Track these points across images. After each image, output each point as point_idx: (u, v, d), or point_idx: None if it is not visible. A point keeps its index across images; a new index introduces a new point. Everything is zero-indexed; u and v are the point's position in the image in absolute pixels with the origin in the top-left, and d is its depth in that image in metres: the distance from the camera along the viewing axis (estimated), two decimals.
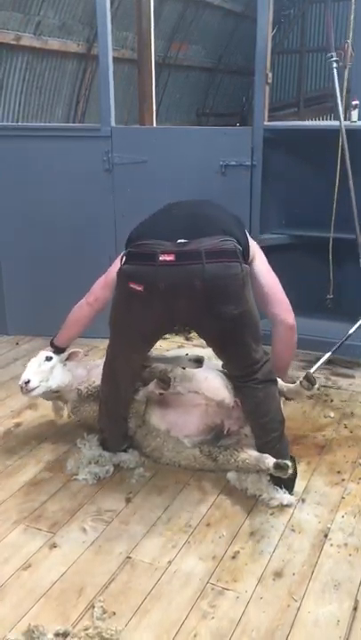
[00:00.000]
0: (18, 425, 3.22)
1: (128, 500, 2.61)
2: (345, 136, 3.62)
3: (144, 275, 2.39)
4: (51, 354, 2.94)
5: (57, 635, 1.95)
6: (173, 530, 2.44)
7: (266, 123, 3.85)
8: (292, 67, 13.48)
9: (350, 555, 2.30)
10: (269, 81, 3.83)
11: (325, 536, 2.39)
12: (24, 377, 2.82)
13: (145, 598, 2.11)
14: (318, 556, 2.29)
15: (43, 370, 2.88)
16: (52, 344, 2.96)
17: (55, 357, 2.94)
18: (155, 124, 5.37)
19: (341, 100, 3.64)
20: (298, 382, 2.76)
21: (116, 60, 4.07)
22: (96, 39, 5.58)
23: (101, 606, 2.06)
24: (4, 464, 2.87)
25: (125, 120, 8.68)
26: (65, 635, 1.95)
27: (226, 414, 2.77)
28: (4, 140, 4.02)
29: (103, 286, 2.76)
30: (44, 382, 2.86)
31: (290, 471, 2.50)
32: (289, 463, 2.50)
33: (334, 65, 3.70)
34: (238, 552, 2.32)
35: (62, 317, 4.20)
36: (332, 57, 3.66)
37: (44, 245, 4.13)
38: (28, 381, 2.81)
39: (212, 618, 2.03)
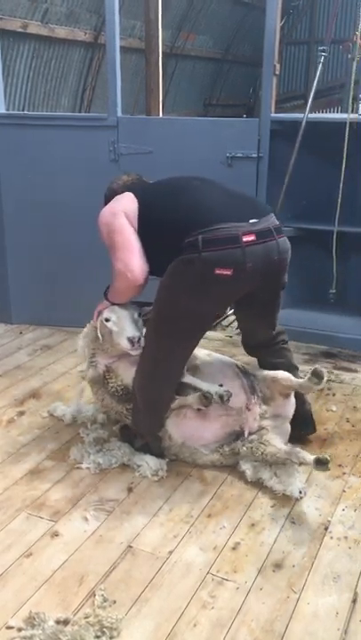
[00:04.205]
0: (21, 413, 3.23)
1: (130, 490, 2.62)
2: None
3: (232, 258, 2.40)
4: (138, 310, 2.79)
5: (58, 622, 1.97)
6: (175, 520, 2.45)
7: (273, 114, 3.83)
8: (300, 58, 13.40)
9: (350, 547, 2.31)
10: (277, 72, 3.81)
11: (326, 529, 2.40)
12: (136, 334, 2.66)
13: (145, 587, 2.12)
14: (318, 549, 2.30)
15: (140, 326, 2.73)
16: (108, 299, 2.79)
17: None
18: (161, 115, 5.36)
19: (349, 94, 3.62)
20: (306, 378, 2.67)
21: (123, 49, 4.05)
22: (103, 27, 5.56)
23: (102, 594, 2.07)
24: (7, 452, 2.89)
25: (132, 110, 8.65)
26: (66, 622, 1.97)
27: (245, 419, 2.73)
28: (10, 129, 4.01)
29: (143, 259, 2.56)
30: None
31: (330, 465, 2.44)
32: (328, 457, 2.43)
33: (321, 59, 3.74)
34: (239, 543, 2.33)
35: (66, 307, 4.24)
36: (324, 50, 3.69)
37: (48, 235, 4.13)
38: (140, 339, 2.66)
39: (212, 608, 2.05)
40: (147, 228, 2.58)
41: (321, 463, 2.43)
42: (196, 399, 2.64)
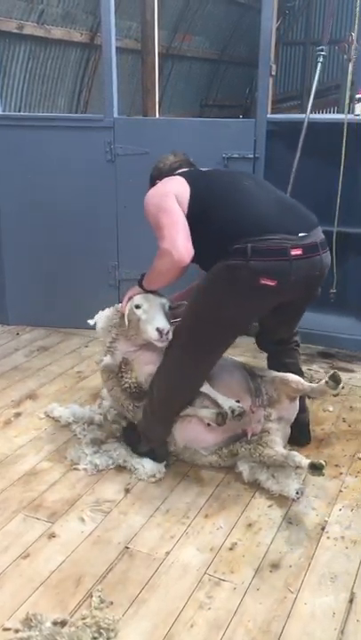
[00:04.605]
0: (18, 415, 3.23)
1: (127, 491, 2.62)
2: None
3: (279, 270, 2.41)
4: (170, 302, 2.76)
5: (55, 623, 1.96)
6: (172, 521, 2.45)
7: (269, 115, 3.83)
8: (296, 58, 13.41)
9: (347, 547, 2.31)
10: (273, 73, 3.81)
11: (323, 529, 2.41)
12: (166, 325, 2.61)
13: (142, 588, 2.12)
14: (315, 549, 2.30)
15: (168, 319, 2.69)
16: (142, 286, 2.73)
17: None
18: (158, 115, 5.36)
19: (343, 93, 3.63)
20: (323, 381, 2.65)
21: (119, 49, 4.05)
22: (99, 28, 5.56)
23: (99, 596, 2.07)
24: (4, 454, 2.88)
25: (129, 111, 8.64)
26: (63, 623, 1.97)
27: (248, 422, 2.71)
28: (7, 130, 4.01)
29: (190, 241, 2.48)
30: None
31: (325, 471, 2.44)
32: (323, 463, 2.43)
33: (320, 59, 3.74)
34: (236, 543, 2.33)
35: (63, 308, 4.24)
36: (321, 50, 3.69)
37: (45, 235, 4.13)
38: (168, 331, 2.60)
39: (209, 608, 2.05)
40: (195, 219, 2.54)
41: (316, 468, 2.41)
42: (212, 416, 2.62)
